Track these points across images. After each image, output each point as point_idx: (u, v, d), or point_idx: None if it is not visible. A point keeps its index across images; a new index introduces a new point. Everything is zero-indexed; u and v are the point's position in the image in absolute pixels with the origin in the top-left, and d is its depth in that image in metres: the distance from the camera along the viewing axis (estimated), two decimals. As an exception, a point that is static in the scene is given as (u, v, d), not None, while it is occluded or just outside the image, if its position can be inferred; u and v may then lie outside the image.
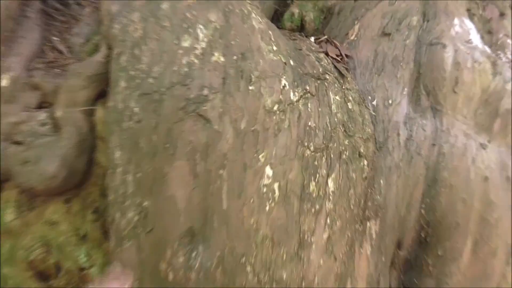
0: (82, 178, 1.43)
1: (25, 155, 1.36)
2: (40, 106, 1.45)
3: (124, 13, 1.42)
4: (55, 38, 1.54)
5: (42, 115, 1.41)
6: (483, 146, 1.35)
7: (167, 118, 1.13)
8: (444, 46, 1.42)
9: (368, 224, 1.26)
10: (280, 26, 1.64)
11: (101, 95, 1.45)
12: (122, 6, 1.48)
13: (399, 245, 1.36)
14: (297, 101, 1.18)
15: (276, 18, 1.74)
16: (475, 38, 1.52)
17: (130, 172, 1.18)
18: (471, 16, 1.67)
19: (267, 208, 1.10)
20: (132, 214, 1.18)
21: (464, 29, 1.51)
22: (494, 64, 1.44)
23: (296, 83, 1.21)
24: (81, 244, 1.45)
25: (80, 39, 1.57)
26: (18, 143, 1.38)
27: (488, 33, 1.68)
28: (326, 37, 1.45)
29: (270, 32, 1.30)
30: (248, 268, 1.12)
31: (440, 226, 1.34)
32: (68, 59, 1.50)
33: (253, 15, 1.32)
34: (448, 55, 1.42)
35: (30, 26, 1.51)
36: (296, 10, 1.63)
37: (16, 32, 1.46)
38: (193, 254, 1.11)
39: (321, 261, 1.17)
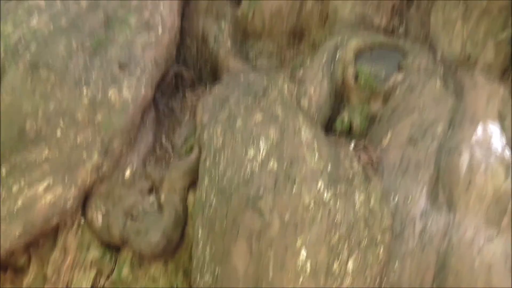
0: (176, 245, 1.93)
1: (138, 227, 1.89)
2: (150, 191, 2.00)
3: (212, 124, 1.94)
4: (163, 140, 2.11)
5: (151, 198, 1.95)
6: (490, 238, 1.59)
7: (234, 209, 1.59)
8: (461, 153, 1.72)
9: (383, 299, 1.57)
10: (333, 129, 2.04)
11: (192, 184, 1.97)
12: (211, 117, 2.01)
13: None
14: (329, 200, 1.57)
15: (333, 120, 2.12)
16: (497, 142, 1.78)
17: (208, 246, 1.64)
18: (502, 118, 1.93)
19: (301, 280, 1.49)
20: (208, 277, 1.64)
21: (486, 135, 1.79)
22: (507, 167, 1.70)
23: (330, 184, 1.60)
24: (174, 296, 1.93)
25: (181, 139, 2.12)
26: (133, 218, 1.93)
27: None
28: (363, 143, 1.83)
29: (315, 143, 1.72)
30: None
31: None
32: (171, 156, 2.05)
33: (303, 130, 1.76)
34: (463, 161, 1.70)
35: (146, 131, 2.10)
36: (346, 115, 2.03)
37: (137, 136, 2.04)
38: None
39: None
